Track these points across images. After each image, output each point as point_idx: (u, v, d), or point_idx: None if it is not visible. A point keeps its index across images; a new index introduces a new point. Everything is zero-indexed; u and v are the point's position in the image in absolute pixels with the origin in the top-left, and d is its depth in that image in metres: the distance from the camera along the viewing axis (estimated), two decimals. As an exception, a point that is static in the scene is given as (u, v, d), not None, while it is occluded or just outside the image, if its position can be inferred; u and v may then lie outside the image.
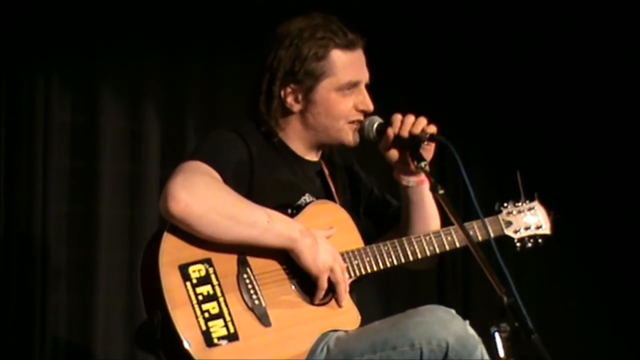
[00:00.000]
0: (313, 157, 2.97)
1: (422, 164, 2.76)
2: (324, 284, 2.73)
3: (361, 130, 2.91)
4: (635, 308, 4.88)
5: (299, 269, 2.75)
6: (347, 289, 2.78)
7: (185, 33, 4.20)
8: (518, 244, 3.17)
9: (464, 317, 2.66)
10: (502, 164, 4.72)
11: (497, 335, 2.37)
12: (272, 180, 2.81)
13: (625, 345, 4.89)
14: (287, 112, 2.89)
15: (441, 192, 2.68)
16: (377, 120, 2.90)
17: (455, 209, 2.69)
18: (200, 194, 2.63)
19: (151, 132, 4.14)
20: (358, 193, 3.11)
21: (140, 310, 2.65)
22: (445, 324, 2.61)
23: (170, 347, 2.55)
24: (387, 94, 3.20)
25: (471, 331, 2.62)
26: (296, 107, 2.89)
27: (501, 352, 2.36)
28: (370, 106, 2.91)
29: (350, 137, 2.91)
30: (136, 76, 4.15)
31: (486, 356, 2.59)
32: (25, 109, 3.92)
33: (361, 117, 2.91)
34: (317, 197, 2.90)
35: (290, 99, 2.88)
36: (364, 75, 2.92)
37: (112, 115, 4.08)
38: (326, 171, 3.02)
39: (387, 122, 2.90)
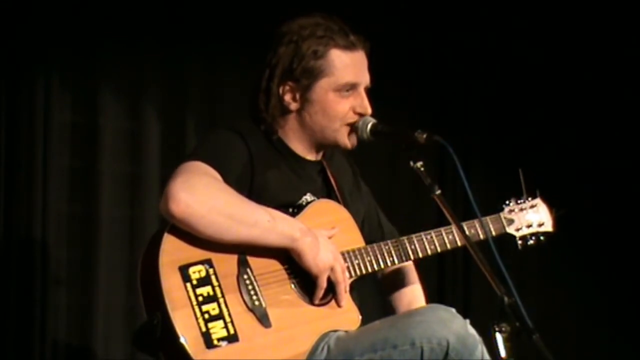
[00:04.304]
0: (314, 156, 2.96)
1: (418, 164, 2.75)
2: (323, 283, 2.73)
3: (355, 130, 2.89)
4: (636, 308, 4.88)
5: (300, 269, 2.74)
6: (348, 288, 2.77)
7: (185, 33, 4.20)
8: (520, 242, 3.17)
9: (465, 317, 2.66)
10: (502, 164, 4.72)
11: (498, 335, 2.37)
12: (272, 180, 2.81)
13: (626, 346, 4.89)
14: (285, 110, 2.88)
15: (438, 192, 2.67)
16: (370, 121, 2.87)
17: (454, 209, 2.69)
18: (201, 195, 2.62)
19: (151, 132, 4.14)
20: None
21: (141, 310, 2.65)
22: (446, 323, 2.61)
23: (169, 349, 2.55)
24: (386, 94, 3.20)
25: (471, 330, 2.62)
26: (293, 106, 2.88)
27: (502, 352, 2.36)
28: (368, 109, 2.88)
29: (346, 139, 2.89)
30: (136, 76, 4.15)
31: (486, 355, 2.59)
32: (25, 109, 3.92)
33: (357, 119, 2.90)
34: (319, 197, 2.90)
35: (287, 97, 2.87)
36: (364, 78, 2.90)
37: (112, 115, 4.08)
38: (328, 171, 3.01)
39: (381, 123, 2.88)
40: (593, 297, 4.93)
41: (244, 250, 2.69)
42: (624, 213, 4.93)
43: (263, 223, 2.68)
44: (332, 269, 2.74)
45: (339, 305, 2.77)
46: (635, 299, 4.88)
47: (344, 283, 2.76)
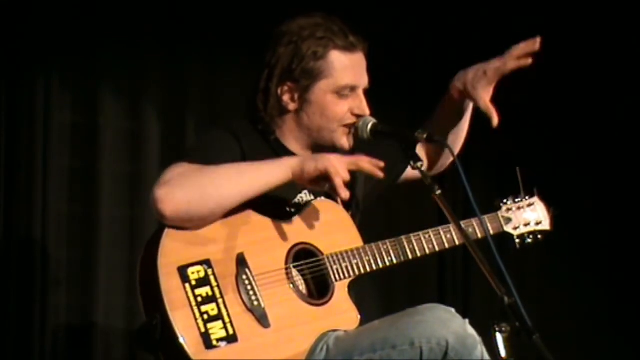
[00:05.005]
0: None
1: (419, 164, 2.74)
2: (345, 173, 2.67)
3: (355, 130, 2.88)
4: (636, 308, 4.88)
5: (299, 269, 2.76)
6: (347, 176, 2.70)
7: (185, 33, 4.20)
8: (517, 241, 3.18)
9: (464, 317, 2.66)
10: (501, 163, 4.71)
11: (498, 335, 2.37)
12: None
13: (626, 346, 4.89)
14: (283, 110, 2.88)
15: (438, 192, 2.65)
16: (371, 121, 2.87)
17: (454, 208, 2.68)
18: (178, 183, 2.62)
19: (151, 132, 4.14)
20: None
21: (141, 310, 2.65)
22: (445, 322, 2.61)
23: (169, 349, 2.55)
24: (385, 94, 3.20)
25: (471, 330, 2.62)
26: (292, 106, 2.87)
27: (502, 352, 2.36)
28: (366, 111, 2.88)
29: (344, 140, 2.89)
30: (136, 76, 4.15)
31: (486, 355, 2.59)
32: (25, 109, 3.92)
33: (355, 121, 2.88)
34: (317, 196, 2.90)
35: (286, 97, 2.87)
36: (363, 80, 2.90)
37: (112, 115, 4.08)
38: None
39: (381, 124, 2.88)
40: (593, 297, 4.93)
41: (243, 251, 2.69)
42: (624, 213, 4.93)
43: (246, 168, 2.67)
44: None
45: (340, 196, 2.69)
46: (636, 299, 4.88)
47: (342, 174, 2.68)
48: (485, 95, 2.98)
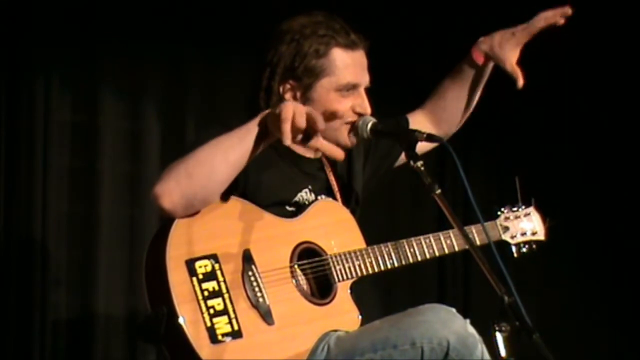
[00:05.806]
0: (312, 154, 2.96)
1: (418, 163, 2.73)
2: (299, 119, 2.53)
3: (355, 130, 2.87)
4: (635, 308, 4.88)
5: (302, 268, 2.77)
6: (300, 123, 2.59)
7: (185, 33, 4.20)
8: (514, 249, 3.21)
9: (465, 317, 2.67)
10: (501, 169, 4.72)
11: (498, 334, 2.38)
12: (267, 178, 2.80)
13: (626, 346, 4.89)
14: None
15: (438, 191, 2.61)
16: (370, 120, 2.86)
17: (453, 210, 2.68)
18: (167, 176, 2.61)
19: (151, 132, 4.15)
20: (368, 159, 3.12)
21: (140, 310, 2.65)
22: (446, 323, 2.61)
23: (174, 342, 2.55)
24: (385, 95, 3.20)
25: (471, 330, 2.63)
26: None
27: (502, 352, 2.36)
28: (367, 109, 2.87)
29: (346, 137, 2.88)
30: (136, 76, 4.15)
31: (487, 355, 2.60)
32: (25, 109, 3.93)
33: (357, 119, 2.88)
34: (317, 194, 2.91)
35: (288, 96, 2.86)
36: (364, 79, 2.90)
37: (112, 115, 4.09)
38: (328, 168, 3.01)
39: (381, 123, 2.88)
40: (593, 296, 4.94)
41: (249, 247, 2.70)
42: (624, 213, 4.94)
43: (224, 136, 2.63)
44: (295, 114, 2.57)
45: (283, 142, 2.55)
46: (636, 299, 4.88)
47: (297, 120, 2.56)
48: (511, 57, 3.04)
